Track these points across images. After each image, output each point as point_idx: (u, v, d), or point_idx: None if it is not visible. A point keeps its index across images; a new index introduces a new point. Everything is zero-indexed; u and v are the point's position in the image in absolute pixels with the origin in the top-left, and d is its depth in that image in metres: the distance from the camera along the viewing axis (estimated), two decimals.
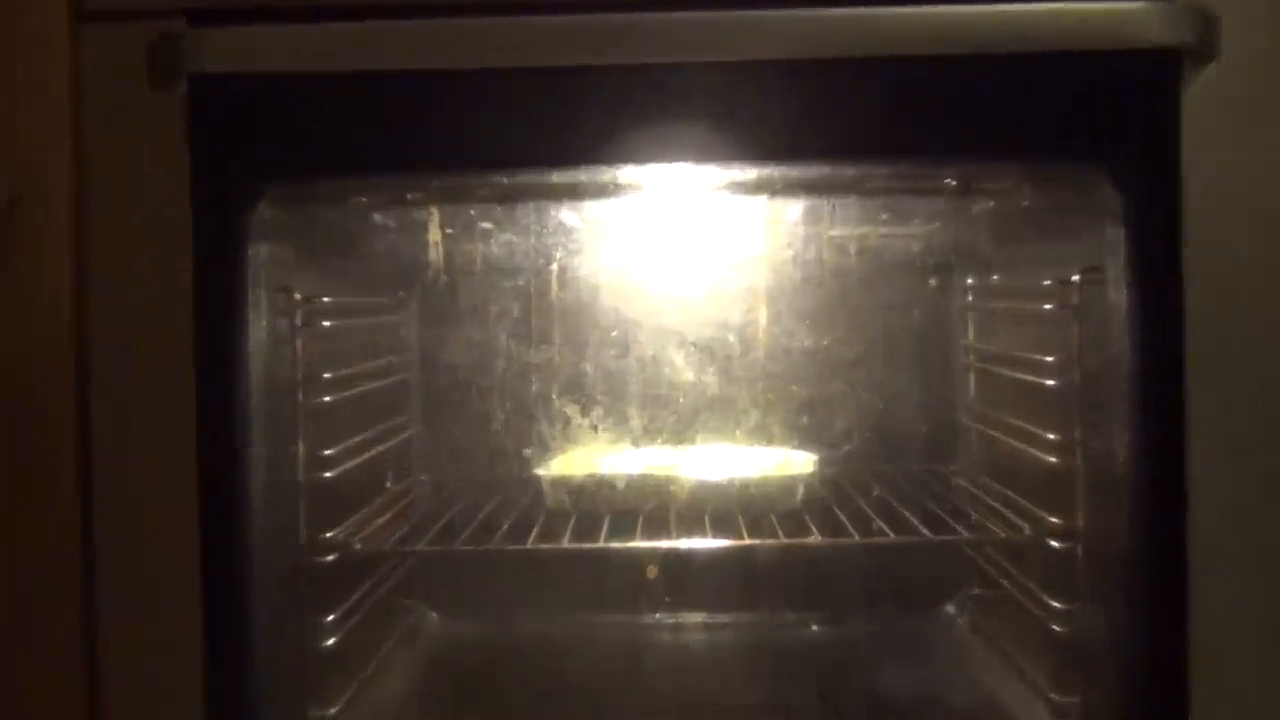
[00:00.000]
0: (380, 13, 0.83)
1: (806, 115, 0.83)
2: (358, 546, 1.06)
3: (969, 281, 1.31)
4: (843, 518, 1.13)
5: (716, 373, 1.25)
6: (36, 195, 0.84)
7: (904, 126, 0.84)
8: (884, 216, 1.22)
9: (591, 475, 1.20)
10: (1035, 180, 0.97)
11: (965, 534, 1.10)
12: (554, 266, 1.24)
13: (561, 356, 1.26)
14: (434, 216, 1.17)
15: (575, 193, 1.07)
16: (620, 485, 1.19)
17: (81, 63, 0.85)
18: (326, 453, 1.03)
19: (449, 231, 1.21)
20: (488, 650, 1.23)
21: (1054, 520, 0.99)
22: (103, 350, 0.85)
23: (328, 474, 1.02)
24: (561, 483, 1.20)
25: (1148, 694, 0.83)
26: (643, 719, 1.04)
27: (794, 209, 1.20)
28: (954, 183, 1.00)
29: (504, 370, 1.26)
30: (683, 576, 1.25)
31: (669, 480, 1.19)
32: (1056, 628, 0.97)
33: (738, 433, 1.26)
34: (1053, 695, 0.99)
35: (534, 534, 1.13)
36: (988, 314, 1.29)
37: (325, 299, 1.04)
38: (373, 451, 1.17)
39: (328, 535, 1.02)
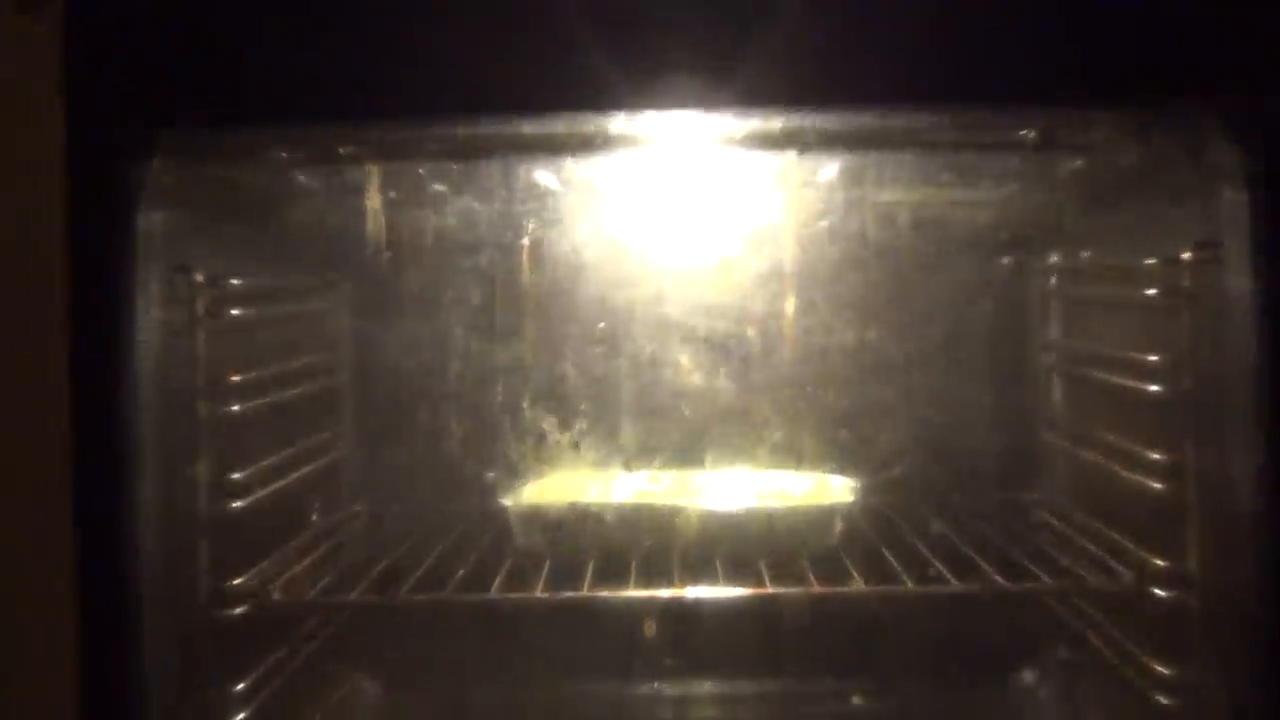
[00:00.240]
0: None
1: (843, 46, 0.83)
2: (275, 597, 1.06)
3: (1052, 261, 1.31)
4: (892, 560, 1.13)
5: (732, 376, 1.25)
6: None
7: (968, 62, 0.84)
8: (944, 178, 1.21)
9: (573, 506, 1.20)
10: (1135, 131, 0.96)
11: (1048, 581, 1.10)
12: (525, 241, 1.24)
13: (534, 356, 1.26)
14: (372, 177, 1.17)
15: (552, 147, 1.07)
16: (609, 519, 1.19)
17: None
18: (235, 477, 1.03)
19: (391, 196, 1.20)
20: None
21: (1160, 564, 0.99)
22: None
23: (236, 504, 1.02)
24: (534, 516, 1.20)
25: None
26: None
27: (829, 168, 1.19)
28: (1032, 135, 1.00)
29: (461, 373, 1.26)
30: (689, 635, 1.25)
31: (671, 512, 1.19)
32: (1164, 700, 0.98)
33: (759, 452, 1.26)
34: None
35: (499, 581, 1.13)
36: (1075, 302, 1.29)
37: (234, 281, 1.03)
38: (294, 476, 1.16)
39: (236, 583, 1.02)
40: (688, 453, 1.26)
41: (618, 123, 0.92)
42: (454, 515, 1.27)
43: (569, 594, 1.12)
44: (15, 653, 0.85)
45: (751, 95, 0.85)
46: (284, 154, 1.05)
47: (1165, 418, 0.99)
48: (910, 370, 1.27)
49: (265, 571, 1.08)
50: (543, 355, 1.26)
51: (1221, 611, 0.91)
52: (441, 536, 1.24)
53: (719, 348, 1.25)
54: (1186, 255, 0.95)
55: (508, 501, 1.23)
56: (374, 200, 1.17)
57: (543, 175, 1.17)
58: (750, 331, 1.25)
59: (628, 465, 1.25)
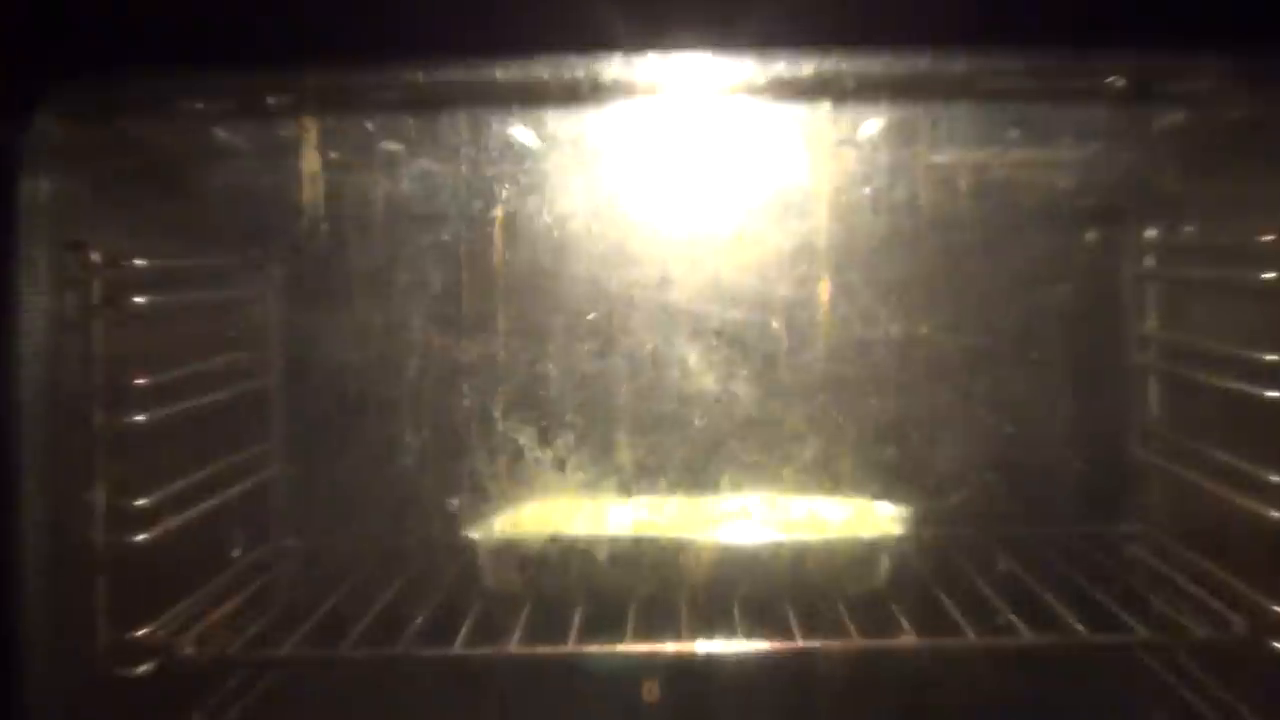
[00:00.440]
0: None
1: None
2: (188, 651, 1.06)
3: (1147, 236, 1.31)
4: (950, 606, 1.13)
5: (752, 378, 1.25)
6: None
7: None
8: (1013, 135, 1.21)
9: (555, 540, 1.20)
10: (1248, 77, 0.96)
11: (1142, 632, 1.10)
12: (497, 212, 1.24)
13: (510, 352, 1.26)
14: (309, 134, 1.17)
15: (531, 97, 1.07)
16: (601, 556, 1.19)
17: None
18: (139, 503, 1.03)
19: (333, 156, 1.20)
20: None
21: None
22: None
23: (141, 537, 1.02)
24: (509, 551, 1.21)
25: None
26: None
27: (871, 124, 1.19)
28: (1123, 82, 0.99)
29: (419, 374, 1.26)
30: (701, 698, 1.23)
31: (677, 548, 1.19)
32: None
33: (785, 473, 1.26)
34: None
35: (465, 631, 1.13)
36: (1176, 287, 1.28)
37: (139, 262, 1.03)
38: (212, 502, 1.16)
39: (141, 633, 1.03)
40: (698, 474, 1.26)
41: (612, 67, 0.92)
42: (410, 550, 1.27)
43: (551, 648, 1.12)
44: None
45: (775, 33, 0.86)
46: (200, 105, 1.05)
47: None
48: (972, 371, 1.28)
49: (177, 619, 1.08)
50: (520, 352, 1.26)
51: None
52: (394, 576, 1.24)
53: (736, 343, 1.25)
54: None
55: (476, 533, 1.23)
56: (311, 162, 1.17)
57: (519, 131, 1.17)
58: (774, 323, 1.26)
59: (624, 489, 1.25)
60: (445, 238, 1.25)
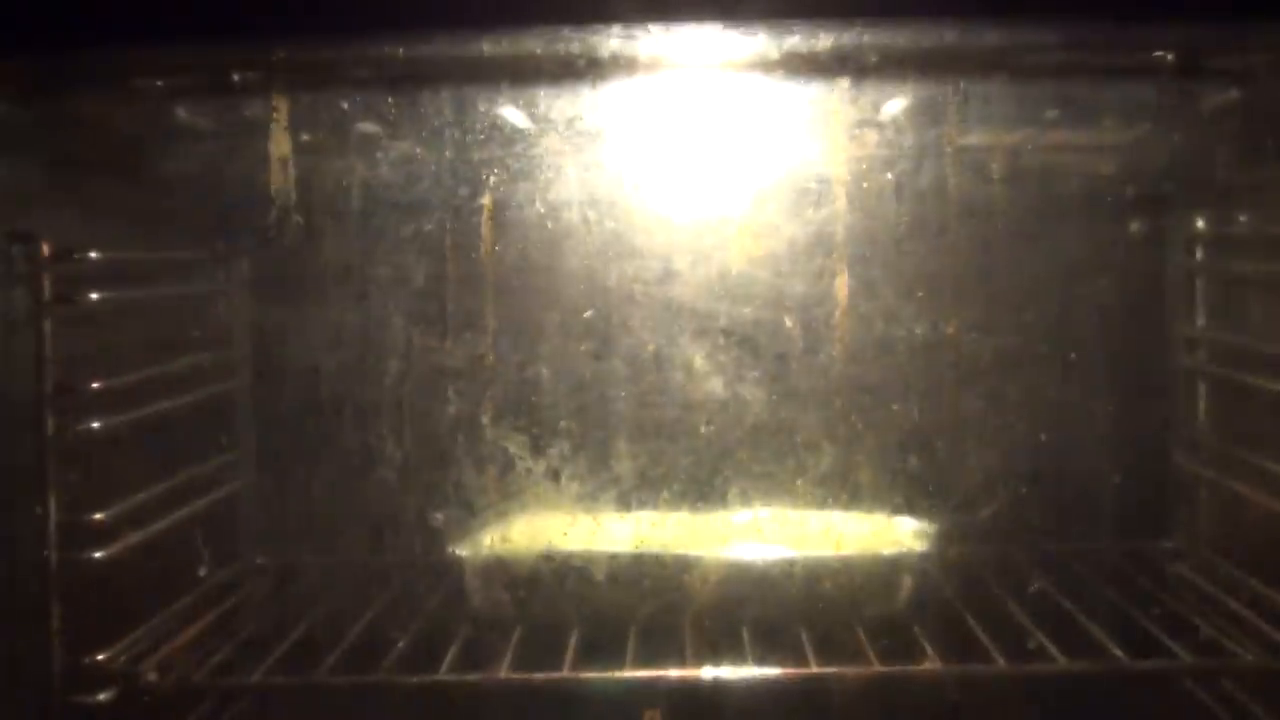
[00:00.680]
0: None
1: None
2: (151, 678, 1.05)
3: (1197, 227, 1.30)
4: (979, 630, 1.12)
5: (763, 382, 1.24)
6: None
7: None
8: (1050, 115, 1.20)
9: (548, 558, 1.19)
10: None
11: (1186, 658, 1.09)
12: (485, 201, 1.22)
13: (498, 354, 1.25)
14: (279, 114, 1.15)
15: (522, 74, 1.07)
16: (599, 575, 1.18)
17: None
18: (96, 517, 1.03)
19: (305, 139, 1.18)
20: None
21: None
22: None
23: (98, 554, 1.02)
24: (498, 570, 1.20)
25: None
26: None
27: (895, 103, 1.18)
28: (1170, 57, 0.99)
29: (399, 378, 1.25)
30: None
31: (682, 565, 1.18)
32: None
33: (799, 485, 1.25)
34: None
35: (451, 656, 1.12)
36: (1228, 283, 1.28)
37: (93, 254, 1.03)
38: (176, 516, 1.16)
39: (100, 658, 1.02)
40: (704, 485, 1.25)
41: (610, 41, 0.92)
42: (390, 568, 1.26)
43: (545, 675, 1.11)
44: None
45: (790, 2, 0.85)
46: (159, 82, 1.04)
47: None
48: (1003, 374, 1.26)
49: (138, 644, 1.08)
50: (509, 353, 1.25)
51: None
52: (374, 597, 1.24)
53: (746, 343, 1.24)
54: None
55: (462, 551, 1.22)
56: (281, 145, 1.15)
57: (509, 112, 1.16)
58: (788, 321, 1.24)
59: (624, 502, 1.24)
60: (428, 228, 1.24)
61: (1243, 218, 1.25)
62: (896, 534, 1.23)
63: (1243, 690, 1.13)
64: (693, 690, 1.14)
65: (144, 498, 1.11)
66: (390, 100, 1.16)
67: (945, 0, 0.88)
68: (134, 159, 1.15)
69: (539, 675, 1.11)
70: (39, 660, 0.98)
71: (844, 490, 1.25)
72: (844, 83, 1.11)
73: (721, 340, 1.24)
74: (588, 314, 1.24)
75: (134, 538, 1.07)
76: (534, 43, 0.93)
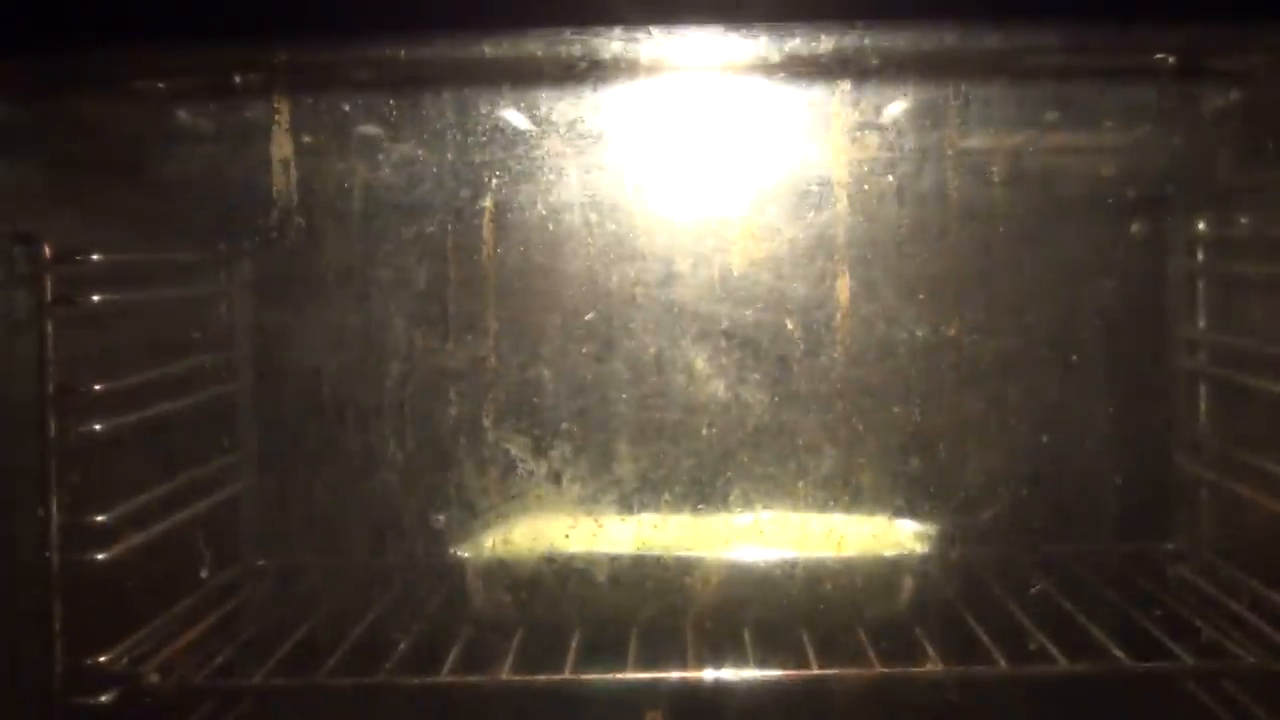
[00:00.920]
0: None
1: None
2: (152, 679, 1.06)
3: (1199, 229, 1.30)
4: (980, 631, 1.12)
5: (764, 384, 1.24)
6: None
7: None
8: (1051, 117, 1.21)
9: (550, 559, 1.19)
10: None
11: (1188, 660, 1.09)
12: (486, 203, 1.23)
13: (500, 356, 1.26)
14: (281, 116, 1.16)
15: (523, 76, 1.08)
16: (601, 576, 1.19)
17: None
18: (98, 519, 1.03)
19: (306, 141, 1.19)
20: None
21: None
22: None
23: (100, 556, 1.02)
24: (500, 572, 1.20)
25: None
26: None
27: (896, 105, 1.19)
28: (1172, 59, 0.99)
29: (401, 380, 1.26)
30: None
31: (683, 567, 1.18)
32: None
33: (801, 487, 1.25)
34: None
35: (453, 658, 1.13)
36: (1230, 285, 1.28)
37: (95, 256, 1.03)
38: (177, 517, 1.16)
39: (102, 660, 1.03)
40: (705, 487, 1.25)
41: (611, 43, 0.92)
42: (392, 570, 1.26)
43: (546, 677, 1.12)
44: None
45: (791, 5, 0.86)
46: (160, 84, 1.05)
47: None
48: (1004, 376, 1.26)
49: (140, 645, 1.08)
50: (511, 355, 1.26)
51: None
52: (375, 599, 1.24)
53: (747, 346, 1.24)
54: None
55: (464, 552, 1.22)
56: (282, 146, 1.16)
57: (511, 114, 1.17)
58: (789, 323, 1.24)
59: (625, 504, 1.25)
60: (429, 230, 1.24)
61: (1243, 219, 1.26)
62: (898, 535, 1.24)
63: (1244, 692, 1.13)
64: (694, 692, 1.15)
65: (146, 499, 1.11)
66: (392, 102, 1.17)
67: (946, 3, 0.88)
68: (135, 160, 1.15)
69: (541, 677, 1.12)
70: (40, 661, 0.98)
71: (845, 492, 1.26)
72: (845, 85, 1.12)
73: (723, 342, 1.24)
74: (589, 316, 1.25)
75: (136, 539, 1.07)
76: (535, 45, 0.93)
